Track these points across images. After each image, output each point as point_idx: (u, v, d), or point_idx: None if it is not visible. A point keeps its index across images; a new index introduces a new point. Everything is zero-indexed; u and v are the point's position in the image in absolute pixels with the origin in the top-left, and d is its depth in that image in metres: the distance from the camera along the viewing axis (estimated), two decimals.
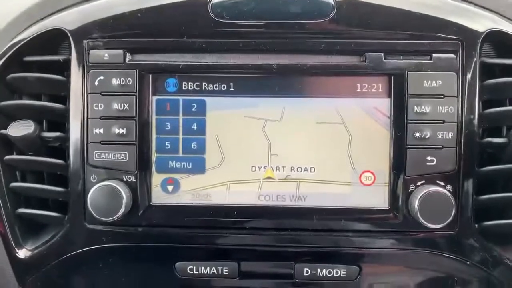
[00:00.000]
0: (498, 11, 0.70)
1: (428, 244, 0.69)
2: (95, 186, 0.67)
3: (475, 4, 0.70)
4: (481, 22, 0.69)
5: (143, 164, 0.70)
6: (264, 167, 0.70)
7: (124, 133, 0.69)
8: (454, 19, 0.68)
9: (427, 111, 0.67)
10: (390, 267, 0.72)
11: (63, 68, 0.71)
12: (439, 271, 0.71)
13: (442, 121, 0.67)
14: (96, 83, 0.69)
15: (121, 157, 0.69)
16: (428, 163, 0.67)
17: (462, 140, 0.67)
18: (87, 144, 0.70)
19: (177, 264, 0.71)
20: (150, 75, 0.69)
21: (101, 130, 0.69)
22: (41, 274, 0.73)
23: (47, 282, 0.74)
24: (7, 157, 0.73)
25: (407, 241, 0.69)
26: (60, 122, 0.73)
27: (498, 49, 0.70)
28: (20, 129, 0.71)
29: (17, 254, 0.73)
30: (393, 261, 0.71)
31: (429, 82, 0.67)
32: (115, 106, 0.69)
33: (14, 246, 0.73)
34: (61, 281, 0.74)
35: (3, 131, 0.72)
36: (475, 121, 0.68)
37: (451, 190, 0.67)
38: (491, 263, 0.70)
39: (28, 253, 0.73)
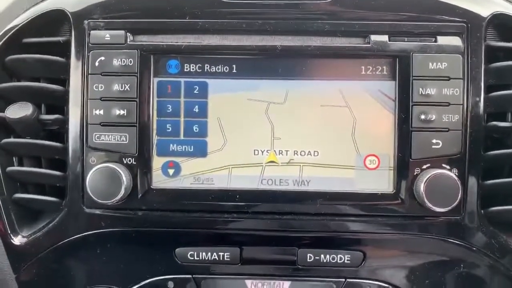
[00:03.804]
0: None
1: (433, 229, 0.68)
2: (95, 168, 0.66)
3: None
4: (486, 5, 0.69)
5: (143, 147, 0.68)
6: (267, 151, 0.69)
7: (125, 114, 0.68)
8: (459, 2, 0.68)
9: (433, 93, 0.66)
10: (395, 252, 0.70)
11: (63, 50, 0.70)
12: (445, 256, 0.70)
13: (447, 104, 0.67)
14: (96, 63, 0.68)
15: (122, 139, 0.68)
16: (433, 146, 0.66)
17: (468, 123, 0.67)
18: (86, 126, 0.68)
19: (178, 250, 0.70)
20: (152, 56, 0.68)
21: (101, 112, 0.68)
22: (37, 261, 0.72)
23: (43, 269, 0.72)
24: (4, 140, 0.72)
25: (412, 226, 0.68)
26: (58, 106, 0.71)
27: (503, 32, 0.70)
28: (18, 111, 0.69)
29: (12, 241, 0.71)
30: (398, 247, 0.70)
31: (434, 64, 0.67)
32: (116, 87, 0.68)
33: (9, 232, 0.71)
34: (57, 268, 0.72)
35: (0, 114, 0.71)
36: (481, 104, 0.67)
37: (457, 174, 0.66)
38: (497, 249, 0.69)
39: (24, 240, 0.71)
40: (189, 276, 0.71)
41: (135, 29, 0.69)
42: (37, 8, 0.71)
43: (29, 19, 0.71)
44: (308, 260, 0.69)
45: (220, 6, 0.68)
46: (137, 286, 0.71)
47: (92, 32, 0.69)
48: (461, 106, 0.67)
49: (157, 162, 0.69)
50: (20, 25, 0.71)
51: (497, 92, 0.68)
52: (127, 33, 0.68)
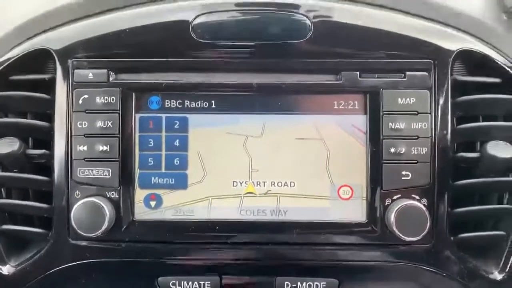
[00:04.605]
0: (468, 31, 0.73)
1: (405, 256, 0.71)
2: (79, 202, 0.68)
3: (447, 25, 0.73)
4: (452, 41, 0.72)
5: (126, 180, 0.71)
6: (245, 182, 0.72)
7: (108, 150, 0.70)
8: (427, 39, 0.71)
9: (402, 127, 0.69)
10: (369, 279, 0.73)
11: (49, 86, 0.73)
12: (417, 283, 0.72)
13: (416, 137, 0.69)
14: (80, 101, 0.71)
15: (105, 173, 0.70)
16: (403, 178, 0.69)
17: (436, 155, 0.70)
18: (71, 161, 0.71)
19: (160, 279, 0.72)
20: (134, 93, 0.71)
21: (85, 147, 0.70)
22: None
23: None
24: None
25: (385, 253, 0.71)
26: (45, 139, 0.74)
27: (470, 67, 0.73)
28: (5, 146, 0.72)
29: (0, 271, 0.73)
30: (372, 274, 0.72)
31: (403, 99, 0.70)
32: (99, 123, 0.70)
33: None
34: None
35: None
36: (448, 137, 0.70)
37: (426, 204, 0.69)
38: (467, 275, 0.71)
39: (12, 270, 0.73)
40: None
41: (117, 68, 0.71)
42: (23, 46, 0.74)
43: (15, 57, 0.73)
44: (285, 287, 0.71)
45: (198, 47, 0.70)
46: None
47: (76, 71, 0.71)
48: (429, 139, 0.70)
49: (139, 194, 0.72)
50: (6, 63, 0.74)
51: (464, 125, 0.71)
52: (110, 72, 0.71)
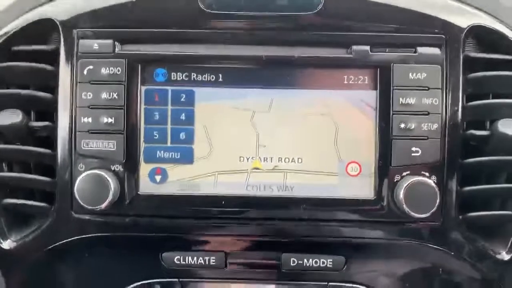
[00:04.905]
0: (480, 7, 0.72)
1: (413, 234, 0.70)
2: (83, 175, 0.67)
3: (459, 0, 0.72)
4: (464, 17, 0.71)
5: (131, 154, 0.70)
6: (252, 158, 0.71)
7: (113, 122, 0.69)
8: (438, 14, 0.70)
9: (412, 102, 0.68)
10: (376, 257, 0.72)
11: (52, 58, 0.72)
12: (424, 261, 0.72)
13: (426, 113, 0.69)
14: (85, 72, 0.69)
15: (109, 146, 0.69)
16: (413, 154, 0.68)
17: (446, 132, 0.69)
18: (75, 133, 0.70)
19: (164, 254, 0.72)
20: (139, 65, 0.70)
21: (90, 119, 0.69)
22: (26, 265, 0.73)
23: (32, 273, 0.74)
24: None
25: (393, 231, 0.70)
26: (47, 112, 0.73)
27: (482, 43, 0.72)
28: (7, 118, 0.70)
29: (1, 245, 0.72)
30: (379, 251, 0.72)
31: (414, 74, 0.69)
32: (104, 95, 0.69)
33: None
34: (46, 272, 0.74)
35: None
36: (459, 113, 0.69)
37: (435, 181, 0.68)
38: (475, 254, 0.71)
39: (13, 244, 0.73)
40: (176, 279, 0.73)
41: (123, 39, 0.70)
42: (27, 16, 0.72)
43: (18, 28, 0.72)
44: (291, 264, 0.71)
45: (206, 17, 0.69)
46: None
47: (80, 41, 0.70)
48: (440, 115, 0.69)
49: (144, 168, 0.71)
50: (9, 33, 0.72)
51: (475, 102, 0.70)
52: (115, 43, 0.70)
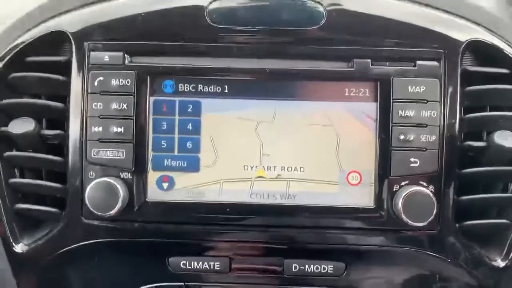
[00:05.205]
0: (478, 21, 0.74)
1: (411, 242, 0.72)
2: (93, 182, 0.70)
3: (457, 15, 0.74)
4: (463, 32, 0.73)
5: (139, 162, 0.72)
6: (256, 167, 0.73)
7: (122, 131, 0.71)
8: (437, 29, 0.73)
9: (411, 115, 0.71)
10: (375, 263, 0.75)
11: (64, 68, 0.74)
12: (422, 268, 0.74)
13: (425, 125, 0.71)
14: (96, 83, 0.72)
15: (119, 154, 0.72)
16: (411, 165, 0.71)
17: (444, 143, 0.71)
18: (85, 141, 0.72)
19: (171, 259, 0.74)
20: (148, 77, 0.72)
21: (100, 129, 0.72)
22: (37, 269, 0.76)
23: (43, 276, 0.76)
24: (7, 153, 0.75)
25: (391, 238, 0.72)
26: (58, 120, 0.75)
27: (479, 57, 0.74)
28: (21, 126, 0.73)
29: (14, 249, 0.75)
30: (378, 258, 0.74)
31: (413, 87, 0.71)
32: (114, 105, 0.72)
33: (11, 240, 0.75)
34: (57, 275, 0.76)
35: (3, 128, 0.74)
36: (456, 125, 0.71)
37: (433, 191, 0.70)
38: (471, 261, 0.73)
39: (25, 248, 0.75)
40: (182, 283, 0.75)
41: (132, 51, 0.73)
42: (40, 28, 0.75)
43: (32, 39, 0.75)
44: (293, 269, 0.73)
45: (212, 31, 0.71)
46: None
47: (91, 53, 0.72)
48: (438, 127, 0.71)
49: (152, 176, 0.73)
50: (23, 44, 0.75)
51: (472, 114, 0.72)
52: (125, 55, 0.72)
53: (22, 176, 0.77)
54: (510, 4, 0.80)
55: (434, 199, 0.68)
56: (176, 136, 0.73)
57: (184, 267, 0.74)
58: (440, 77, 0.71)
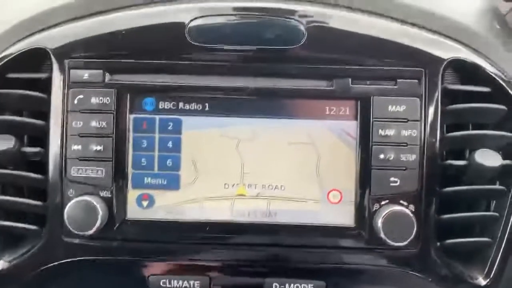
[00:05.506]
0: (460, 40, 0.74)
1: (392, 261, 0.72)
2: (72, 201, 0.69)
3: (439, 33, 0.74)
4: (444, 50, 0.73)
5: (119, 180, 0.72)
6: (237, 185, 0.73)
7: (102, 149, 0.71)
8: (418, 47, 0.72)
9: (391, 134, 0.70)
10: (356, 282, 0.74)
11: (44, 85, 0.74)
12: (403, 287, 0.74)
13: (405, 144, 0.71)
14: (75, 101, 0.72)
15: (98, 173, 0.71)
16: (391, 184, 0.70)
17: (425, 162, 0.71)
18: (65, 159, 0.72)
19: (151, 278, 0.74)
20: (128, 94, 0.72)
21: (79, 147, 0.71)
22: (19, 286, 0.75)
23: None
24: None
25: (372, 257, 0.72)
26: (39, 137, 0.75)
27: (461, 75, 0.74)
28: (1, 143, 0.72)
29: None
30: (359, 277, 0.74)
31: (394, 106, 0.71)
32: (94, 123, 0.71)
33: None
34: None
35: None
36: (437, 144, 0.71)
37: (413, 210, 0.70)
38: (453, 280, 0.73)
39: (6, 265, 0.74)
40: None
41: (112, 69, 0.72)
42: (20, 45, 0.74)
43: (12, 56, 0.74)
44: None
45: (193, 49, 0.71)
46: None
47: (72, 71, 0.72)
48: (418, 146, 0.71)
49: (132, 194, 0.73)
50: (3, 61, 0.74)
51: (453, 133, 0.72)
52: (105, 72, 0.72)
53: (3, 193, 0.76)
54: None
55: (414, 218, 0.68)
56: (156, 153, 0.73)
57: (164, 285, 0.73)
58: (421, 96, 0.71)
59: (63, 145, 0.72)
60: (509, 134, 0.72)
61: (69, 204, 0.69)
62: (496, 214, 0.73)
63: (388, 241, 0.68)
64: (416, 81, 0.71)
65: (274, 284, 0.73)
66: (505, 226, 0.73)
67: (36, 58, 0.75)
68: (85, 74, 0.72)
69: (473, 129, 0.74)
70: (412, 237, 0.68)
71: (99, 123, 0.71)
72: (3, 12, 0.80)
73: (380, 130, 0.70)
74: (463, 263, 0.74)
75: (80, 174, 0.71)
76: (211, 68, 0.72)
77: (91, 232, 0.69)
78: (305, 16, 0.71)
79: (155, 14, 0.73)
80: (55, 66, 0.73)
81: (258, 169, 0.73)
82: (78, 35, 0.73)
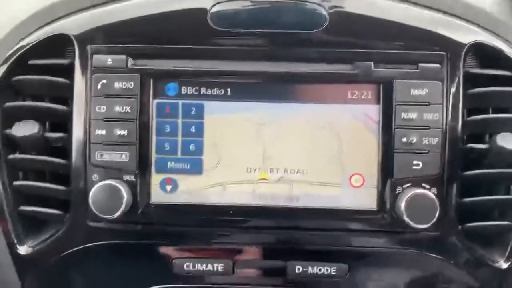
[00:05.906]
0: (481, 24, 0.74)
1: (413, 244, 0.73)
2: (97, 185, 0.70)
3: (460, 17, 0.74)
4: (465, 34, 0.73)
5: (143, 165, 0.72)
6: (259, 169, 0.73)
7: (126, 134, 0.72)
8: (440, 31, 0.72)
9: (414, 117, 0.71)
10: (378, 265, 0.75)
11: (67, 71, 0.74)
12: (424, 270, 0.74)
13: (427, 127, 0.71)
14: (99, 86, 0.72)
15: (122, 157, 0.72)
16: (414, 167, 0.71)
17: (447, 145, 0.71)
18: (89, 144, 0.72)
19: (174, 261, 0.74)
20: (151, 80, 0.73)
21: (103, 131, 0.72)
22: (42, 271, 0.76)
23: (48, 278, 0.77)
24: (11, 156, 0.75)
25: (394, 240, 0.73)
26: (62, 123, 0.75)
27: (482, 60, 0.74)
28: (24, 129, 0.73)
29: (18, 251, 0.75)
30: (380, 260, 0.74)
31: (416, 90, 0.71)
32: (117, 108, 0.72)
33: (16, 242, 0.75)
34: (61, 277, 0.77)
35: (7, 131, 0.75)
36: (459, 128, 0.72)
37: (435, 193, 0.70)
38: (474, 263, 0.73)
39: (29, 250, 0.75)
40: (185, 285, 0.75)
41: (135, 54, 0.72)
42: (43, 31, 0.75)
43: (35, 42, 0.75)
44: (296, 271, 0.73)
45: (215, 34, 0.72)
46: None
47: (94, 56, 0.73)
48: (440, 129, 0.71)
49: (156, 178, 0.73)
50: (26, 47, 0.75)
51: (474, 117, 0.73)
52: (128, 58, 0.72)
53: (26, 179, 0.77)
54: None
55: (436, 201, 0.68)
56: (180, 138, 0.73)
57: (188, 269, 0.74)
58: (443, 80, 0.71)
59: (87, 130, 0.72)
60: None
61: (93, 189, 0.70)
62: None
63: (411, 223, 0.68)
64: (438, 65, 0.71)
65: (297, 267, 0.73)
66: None
67: (58, 45, 0.75)
68: (108, 60, 0.72)
69: (493, 113, 0.74)
70: (434, 219, 0.68)
71: (123, 108, 0.72)
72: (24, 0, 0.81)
73: (402, 114, 0.71)
74: (483, 246, 0.74)
75: (104, 158, 0.72)
76: (233, 52, 0.72)
77: (115, 216, 0.69)
78: (326, 0, 0.71)
79: (177, 0, 0.73)
80: (78, 52, 0.73)
81: (280, 154, 0.73)
82: (100, 21, 0.74)
